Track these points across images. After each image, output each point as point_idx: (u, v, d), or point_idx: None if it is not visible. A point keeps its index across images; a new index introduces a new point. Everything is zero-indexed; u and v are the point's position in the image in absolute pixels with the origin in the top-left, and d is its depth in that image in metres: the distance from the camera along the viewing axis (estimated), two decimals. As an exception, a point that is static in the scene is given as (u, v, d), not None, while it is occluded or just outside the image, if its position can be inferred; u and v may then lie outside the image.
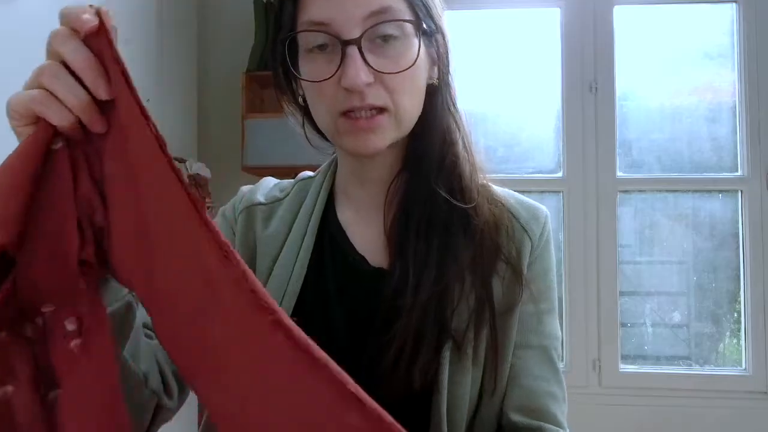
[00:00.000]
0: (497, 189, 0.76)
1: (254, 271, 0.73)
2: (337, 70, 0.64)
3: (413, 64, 0.66)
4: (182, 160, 2.09)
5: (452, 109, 0.74)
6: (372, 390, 0.63)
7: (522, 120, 2.39)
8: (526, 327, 0.71)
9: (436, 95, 0.72)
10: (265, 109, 2.18)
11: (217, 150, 2.33)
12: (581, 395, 2.20)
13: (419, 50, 0.66)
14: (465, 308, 0.68)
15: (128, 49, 1.76)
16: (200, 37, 2.35)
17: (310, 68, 0.67)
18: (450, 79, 0.73)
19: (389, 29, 0.65)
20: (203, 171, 2.19)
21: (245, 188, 0.83)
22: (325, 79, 0.65)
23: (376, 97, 0.65)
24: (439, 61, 0.72)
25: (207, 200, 2.19)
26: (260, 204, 0.79)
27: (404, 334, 0.65)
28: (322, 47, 0.66)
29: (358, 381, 0.64)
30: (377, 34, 0.65)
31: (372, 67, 0.64)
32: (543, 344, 0.71)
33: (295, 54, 0.69)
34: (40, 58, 0.47)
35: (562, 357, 2.22)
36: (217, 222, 0.81)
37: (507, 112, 2.39)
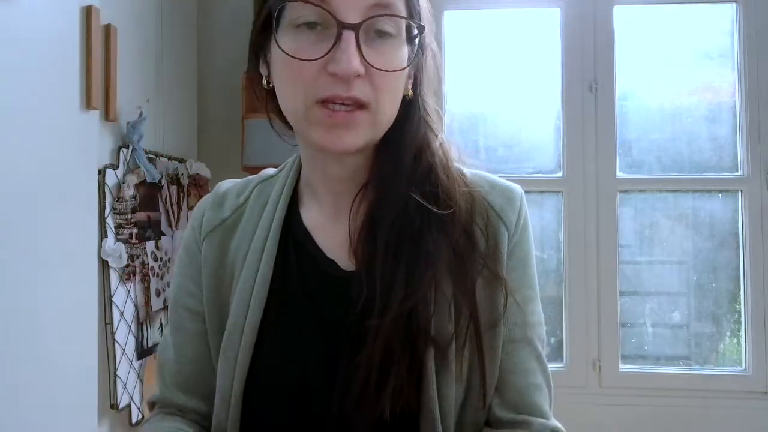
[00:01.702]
0: (469, 174, 0.73)
1: (229, 293, 0.72)
2: (327, 53, 0.60)
3: (407, 67, 0.64)
4: (182, 160, 2.09)
5: (428, 119, 0.71)
6: (346, 416, 0.63)
7: (522, 120, 2.39)
8: (510, 320, 0.68)
9: (411, 106, 0.69)
10: (266, 109, 2.17)
11: (217, 150, 2.33)
12: (581, 395, 2.19)
13: (410, 55, 0.64)
14: (446, 318, 0.64)
15: (131, 59, 1.76)
16: (200, 37, 2.35)
17: (294, 44, 0.61)
18: (424, 92, 0.71)
19: (388, 25, 0.62)
20: (203, 171, 2.19)
21: (202, 203, 0.78)
22: (310, 59, 0.60)
23: (361, 90, 0.61)
24: (417, 74, 0.69)
25: (207, 200, 2.18)
26: (223, 221, 0.75)
27: (369, 363, 0.62)
28: (312, 25, 0.61)
29: (331, 406, 0.63)
30: (375, 27, 0.62)
31: (365, 60, 0.60)
32: (528, 335, 0.69)
33: (276, 27, 0.64)
34: (40, 58, 0.47)
35: (562, 356, 2.23)
36: (180, 255, 0.78)
37: (507, 112, 2.39)
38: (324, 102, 0.61)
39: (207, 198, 0.79)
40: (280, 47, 0.63)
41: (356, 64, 0.59)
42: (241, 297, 0.70)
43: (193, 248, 0.76)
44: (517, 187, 0.74)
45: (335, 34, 0.60)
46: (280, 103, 0.67)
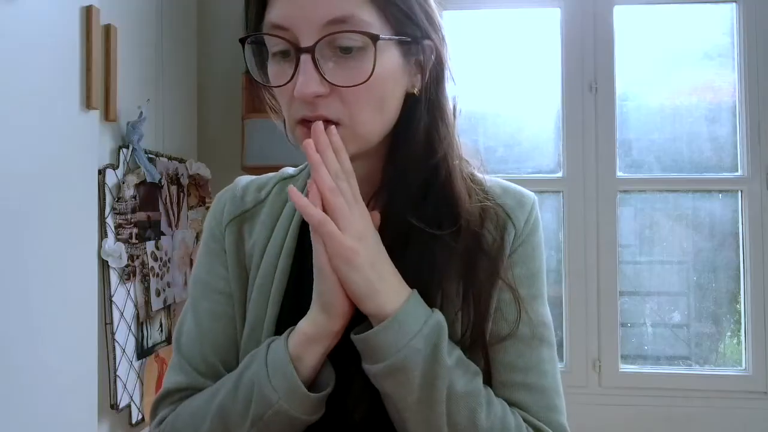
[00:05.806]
0: (483, 178, 0.73)
1: (247, 285, 0.73)
2: (290, 78, 0.62)
3: (368, 79, 0.61)
4: (182, 160, 2.09)
5: (437, 116, 0.69)
6: (350, 407, 0.64)
7: (522, 120, 2.39)
8: (502, 316, 0.67)
9: (418, 104, 0.68)
10: (265, 110, 2.17)
11: (217, 150, 2.33)
12: (581, 395, 2.19)
13: (375, 64, 0.61)
14: (449, 323, 0.64)
15: (131, 54, 1.75)
16: (200, 37, 2.35)
17: (273, 71, 0.65)
18: (435, 87, 0.69)
19: (348, 41, 0.61)
20: (203, 171, 2.19)
21: (222, 195, 0.79)
22: (281, 85, 0.63)
23: (328, 109, 0.62)
24: (424, 68, 0.67)
25: (207, 200, 2.19)
26: (244, 212, 0.76)
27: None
28: (285, 53, 0.63)
29: (335, 393, 0.65)
30: (336, 44, 0.61)
31: (326, 79, 0.61)
32: (524, 332, 0.68)
33: (262, 56, 0.68)
34: (40, 58, 0.47)
35: (562, 356, 2.23)
36: (206, 241, 0.78)
37: (507, 112, 2.39)
38: (302, 121, 0.64)
39: (226, 191, 0.80)
40: (264, 79, 0.68)
41: (312, 87, 0.60)
42: (260, 291, 0.72)
43: (218, 235, 0.76)
44: (531, 194, 0.74)
45: (295, 59, 0.61)
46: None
